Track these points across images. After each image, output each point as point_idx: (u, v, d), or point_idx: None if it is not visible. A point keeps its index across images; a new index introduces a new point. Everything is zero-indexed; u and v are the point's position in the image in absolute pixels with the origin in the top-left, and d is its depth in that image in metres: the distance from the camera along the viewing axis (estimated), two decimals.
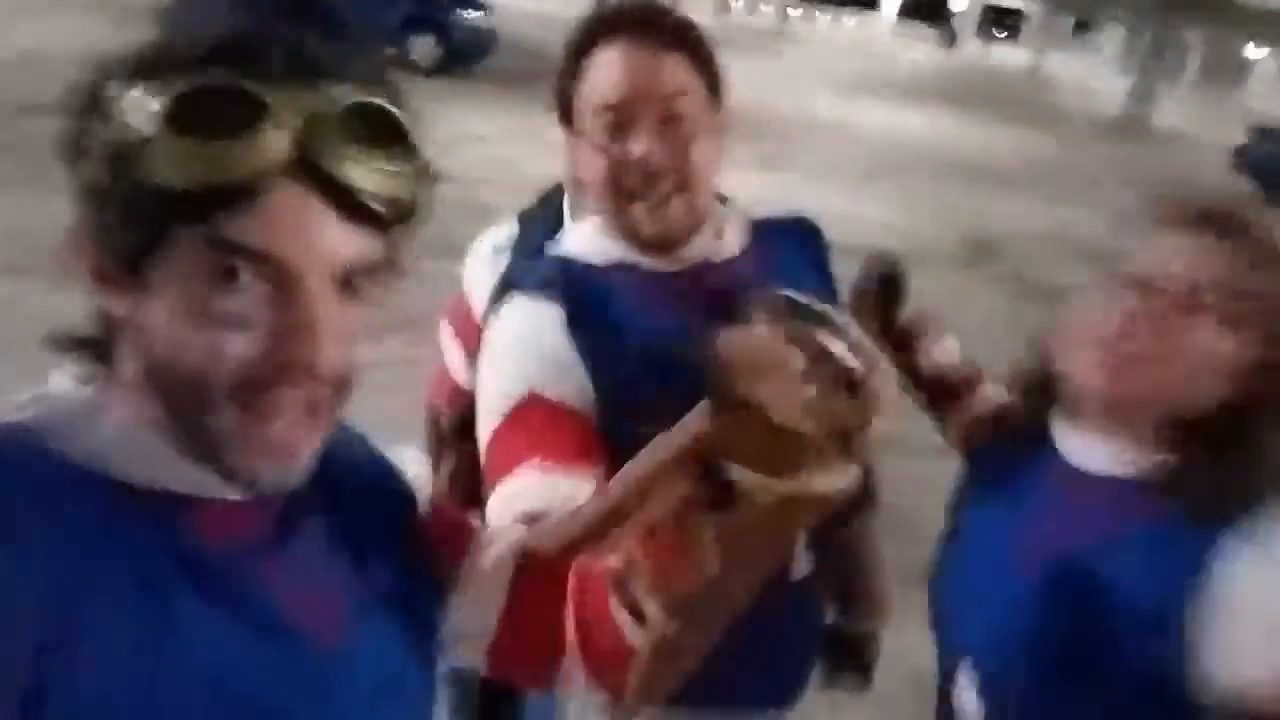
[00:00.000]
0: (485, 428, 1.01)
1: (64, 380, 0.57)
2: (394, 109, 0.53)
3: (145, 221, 0.51)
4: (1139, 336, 0.87)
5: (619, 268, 1.05)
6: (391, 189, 0.53)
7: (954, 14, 47.72)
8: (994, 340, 5.38)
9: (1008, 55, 38.59)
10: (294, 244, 0.51)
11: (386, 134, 0.52)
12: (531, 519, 0.89)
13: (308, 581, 0.60)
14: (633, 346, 1.00)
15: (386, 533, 0.69)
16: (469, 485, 1.28)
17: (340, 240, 0.52)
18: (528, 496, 0.92)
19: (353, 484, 0.68)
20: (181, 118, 0.48)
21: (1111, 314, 0.89)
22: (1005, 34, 39.23)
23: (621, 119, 0.99)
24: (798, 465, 0.56)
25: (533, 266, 1.10)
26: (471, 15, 11.23)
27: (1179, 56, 30.51)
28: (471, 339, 1.25)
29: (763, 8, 37.08)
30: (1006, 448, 1.04)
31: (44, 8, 10.31)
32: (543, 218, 1.36)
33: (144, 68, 0.51)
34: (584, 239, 1.09)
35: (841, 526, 1.26)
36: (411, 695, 0.68)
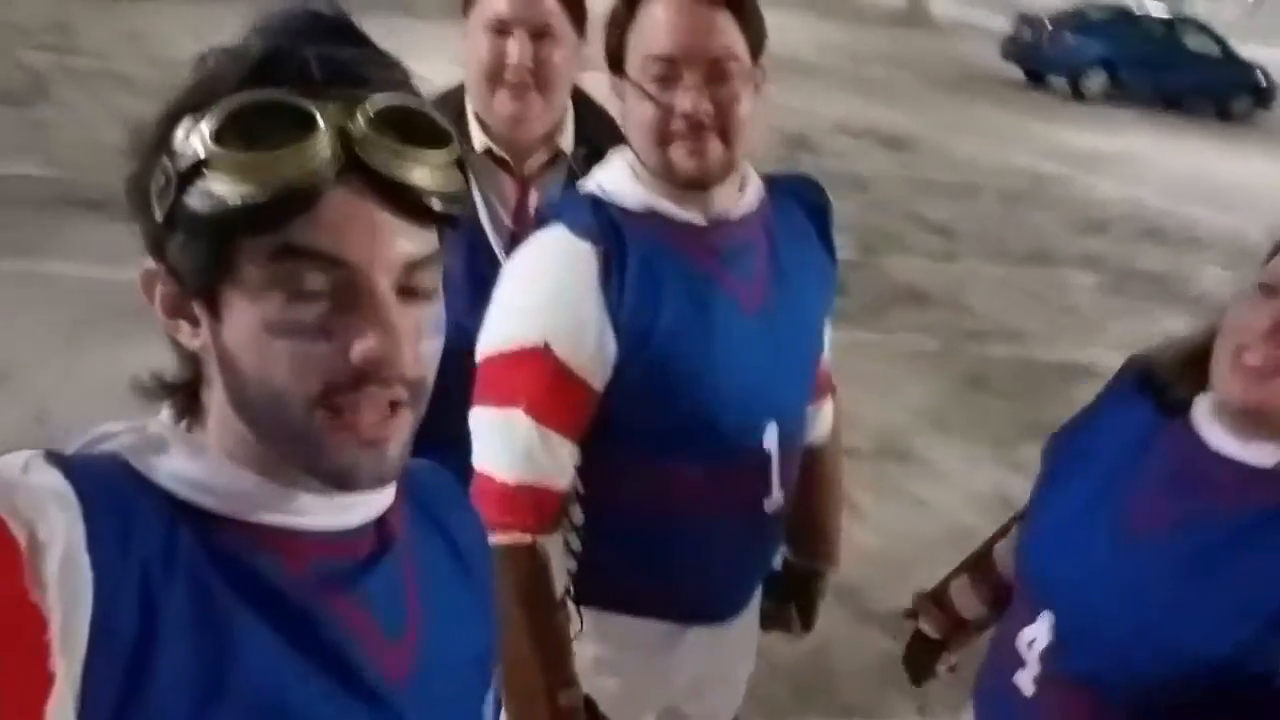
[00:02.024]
0: (488, 342, 1.09)
1: (163, 416, 0.59)
2: (425, 108, 0.55)
3: (209, 241, 0.52)
4: (1266, 343, 0.90)
5: (649, 215, 1.10)
6: (437, 181, 0.54)
7: None
8: None
9: None
10: (356, 245, 0.52)
11: (423, 131, 0.54)
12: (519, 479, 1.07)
13: (381, 618, 0.60)
14: (661, 293, 1.07)
15: (464, 579, 0.70)
16: None
17: (398, 237, 0.54)
18: (516, 444, 1.07)
19: (438, 527, 0.69)
20: (231, 133, 0.50)
21: (1246, 317, 0.93)
22: None
23: (671, 72, 1.03)
24: None
25: (572, 201, 1.14)
26: None
27: None
28: None
29: None
30: (1137, 411, 1.05)
31: None
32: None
33: (192, 101, 0.53)
34: (616, 179, 1.13)
35: (810, 468, 1.33)
36: None
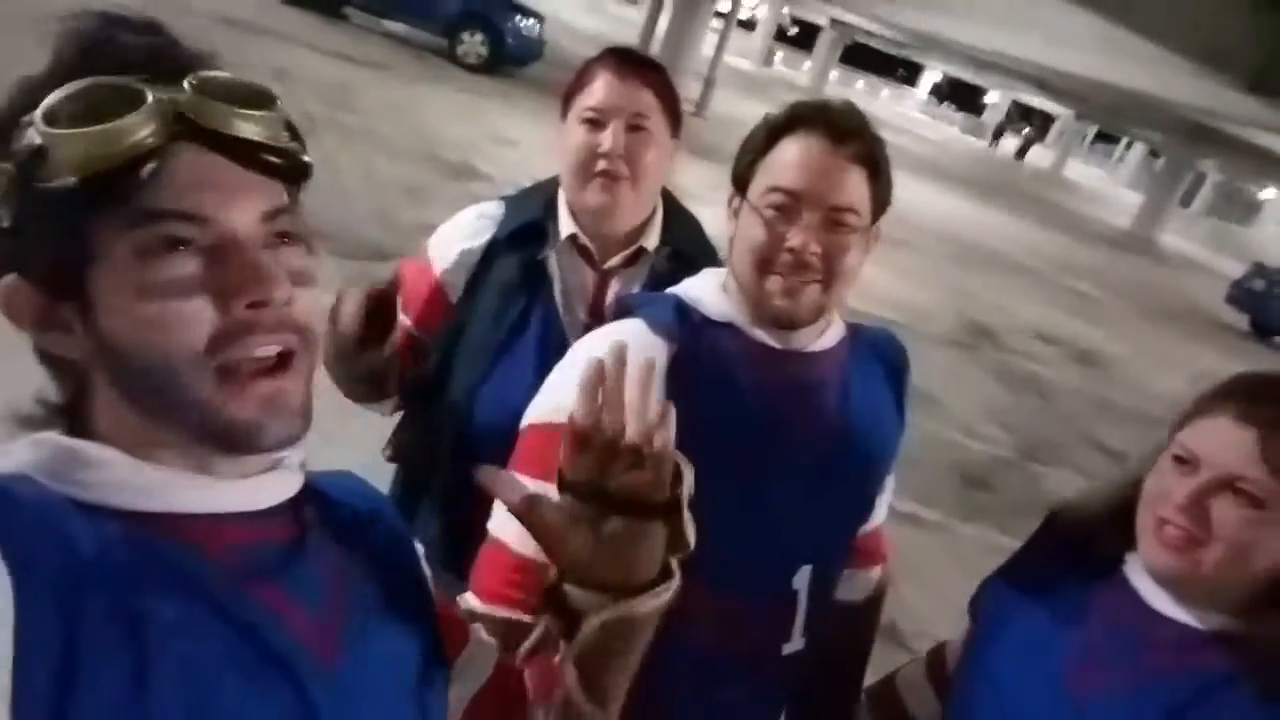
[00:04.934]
0: (535, 411, 1.09)
1: (53, 432, 0.58)
2: (242, 78, 0.59)
3: (65, 226, 0.53)
4: (1183, 516, 0.91)
5: (731, 329, 1.11)
6: (267, 135, 0.57)
7: (987, 106, 48.60)
8: (978, 421, 5.58)
9: (1031, 153, 39.25)
10: (209, 200, 0.55)
11: (244, 94, 0.57)
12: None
13: (308, 601, 0.60)
14: (718, 403, 1.06)
15: (384, 584, 0.68)
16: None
17: (247, 189, 0.56)
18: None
19: (354, 516, 0.69)
20: (63, 115, 0.52)
21: (1164, 487, 0.94)
22: (1029, 129, 40.13)
23: (790, 206, 1.05)
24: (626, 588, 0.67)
25: (656, 299, 1.15)
26: (524, 21, 11.45)
27: (1194, 184, 31.20)
28: (416, 301, 1.36)
29: (805, 64, 37.72)
30: (1066, 563, 1.04)
31: None
32: (532, 203, 1.40)
33: (19, 106, 0.54)
34: (705, 290, 1.14)
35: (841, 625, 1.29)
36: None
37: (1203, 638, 0.93)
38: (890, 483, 1.31)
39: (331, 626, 0.61)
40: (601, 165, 1.29)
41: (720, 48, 15.12)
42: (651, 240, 1.40)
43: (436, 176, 6.67)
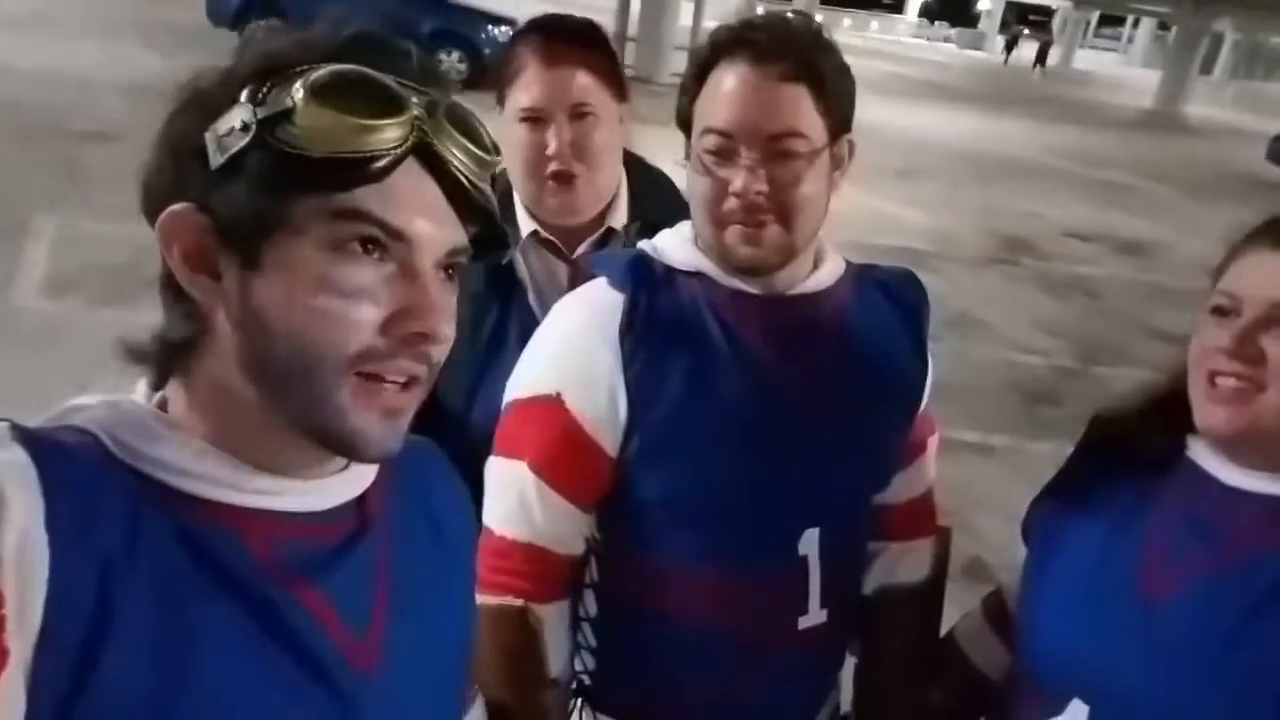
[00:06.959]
0: (513, 387, 1.05)
1: (138, 392, 0.59)
2: (481, 121, 0.60)
3: (277, 190, 0.53)
4: (1233, 361, 0.84)
5: (701, 278, 1.02)
6: (483, 180, 0.59)
7: (981, 14, 47.42)
8: (1030, 333, 5.38)
9: (1034, 53, 38.19)
10: (416, 222, 0.56)
11: (481, 136, 0.59)
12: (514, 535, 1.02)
13: (345, 607, 0.59)
14: (683, 356, 0.98)
15: (443, 561, 0.69)
16: None
17: (448, 222, 0.58)
18: (514, 499, 1.01)
19: (424, 506, 0.69)
20: (330, 93, 0.53)
21: (1209, 341, 0.86)
22: (1031, 31, 39.00)
23: (727, 147, 0.95)
24: None
25: (614, 255, 1.09)
26: (498, 29, 11.36)
27: (1212, 49, 30.04)
28: None
29: (788, 12, 37.11)
30: (1119, 466, 0.96)
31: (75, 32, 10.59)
32: None
33: (281, 61, 0.55)
34: (671, 241, 1.06)
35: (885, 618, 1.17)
36: None
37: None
38: (934, 442, 1.19)
39: (375, 631, 0.61)
40: (552, 167, 1.21)
41: (698, 14, 14.86)
42: (619, 218, 1.31)
43: None
